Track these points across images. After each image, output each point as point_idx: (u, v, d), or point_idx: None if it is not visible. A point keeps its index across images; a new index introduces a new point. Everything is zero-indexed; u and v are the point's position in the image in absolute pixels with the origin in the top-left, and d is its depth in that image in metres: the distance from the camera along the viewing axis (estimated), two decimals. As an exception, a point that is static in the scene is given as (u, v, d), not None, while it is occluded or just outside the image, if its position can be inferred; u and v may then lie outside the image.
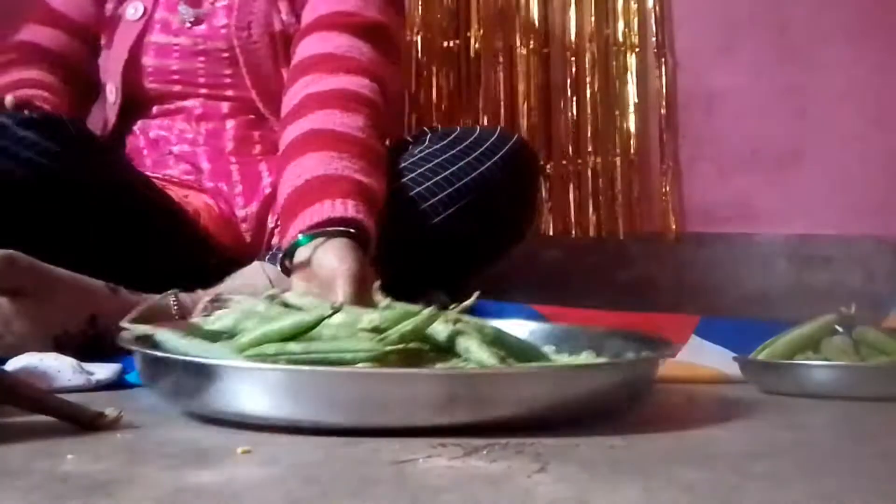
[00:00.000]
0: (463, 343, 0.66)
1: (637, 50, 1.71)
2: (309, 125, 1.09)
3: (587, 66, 1.70)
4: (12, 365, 0.84)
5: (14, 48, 1.30)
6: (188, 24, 1.26)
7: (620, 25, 1.71)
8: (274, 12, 1.26)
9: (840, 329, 0.91)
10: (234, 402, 0.62)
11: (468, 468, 0.50)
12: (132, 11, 1.28)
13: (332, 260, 0.93)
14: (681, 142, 1.72)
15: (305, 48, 1.19)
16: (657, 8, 1.71)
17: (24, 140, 1.03)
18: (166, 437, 0.60)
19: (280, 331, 0.67)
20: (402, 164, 1.21)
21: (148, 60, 1.26)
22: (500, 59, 1.70)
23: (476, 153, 1.21)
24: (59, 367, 0.84)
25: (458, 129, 1.35)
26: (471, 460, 0.52)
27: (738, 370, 0.92)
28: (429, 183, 1.18)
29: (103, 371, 0.86)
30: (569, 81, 1.70)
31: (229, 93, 1.27)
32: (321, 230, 0.96)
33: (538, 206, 1.59)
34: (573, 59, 1.70)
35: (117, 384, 0.84)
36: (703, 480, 0.47)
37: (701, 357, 1.02)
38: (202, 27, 1.26)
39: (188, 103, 1.27)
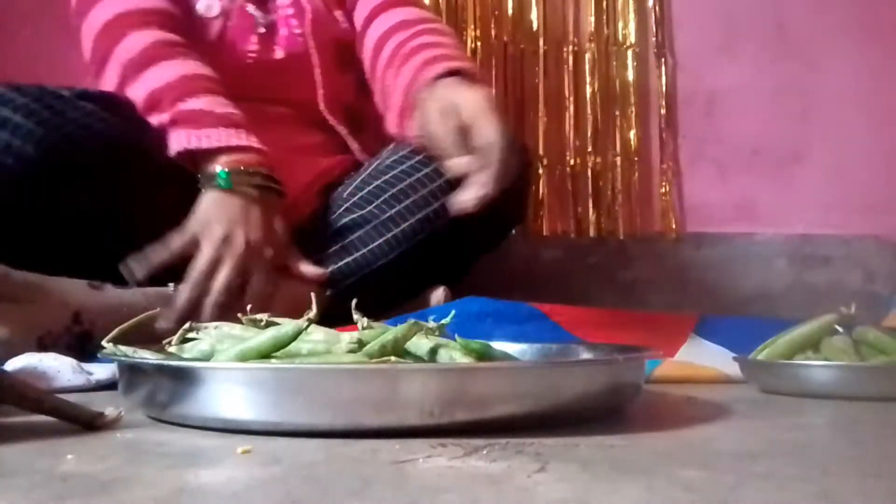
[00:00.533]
0: (445, 354, 0.65)
1: (637, 50, 1.71)
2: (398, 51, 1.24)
3: (587, 66, 1.70)
4: (12, 365, 0.84)
5: (149, 14, 1.19)
6: (262, 29, 1.27)
7: (620, 25, 1.71)
8: (332, 22, 1.32)
9: (840, 329, 0.91)
10: (225, 408, 0.60)
11: (468, 468, 0.50)
12: (204, 6, 1.25)
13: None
14: (681, 142, 1.72)
15: (376, 30, 1.30)
16: (657, 8, 1.71)
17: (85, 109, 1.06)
18: (166, 437, 0.60)
19: (258, 348, 0.64)
20: (393, 158, 1.21)
21: (224, 62, 1.22)
22: (498, 59, 1.70)
23: None
24: (59, 367, 0.84)
25: None
26: (471, 460, 0.52)
27: (738, 370, 0.92)
28: (419, 175, 1.18)
29: (103, 371, 0.86)
30: (568, 81, 1.70)
31: (292, 97, 1.28)
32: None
33: (530, 203, 1.59)
34: (573, 59, 1.70)
35: (117, 384, 0.84)
36: (703, 480, 0.47)
37: (701, 356, 1.02)
38: (280, 32, 1.28)
39: (245, 104, 1.25)
